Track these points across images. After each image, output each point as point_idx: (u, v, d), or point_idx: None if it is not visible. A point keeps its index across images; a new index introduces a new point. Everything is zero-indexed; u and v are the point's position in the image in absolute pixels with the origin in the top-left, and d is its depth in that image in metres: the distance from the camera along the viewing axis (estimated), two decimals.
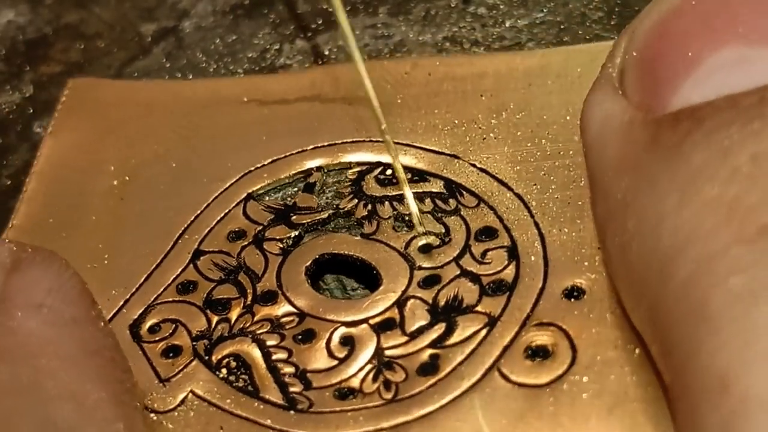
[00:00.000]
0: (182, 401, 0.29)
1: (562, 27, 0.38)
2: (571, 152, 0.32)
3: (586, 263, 0.29)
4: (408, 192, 0.31)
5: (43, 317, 0.25)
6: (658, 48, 0.25)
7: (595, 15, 0.39)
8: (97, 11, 0.42)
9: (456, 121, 0.34)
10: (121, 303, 0.32)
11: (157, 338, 0.31)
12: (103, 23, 0.41)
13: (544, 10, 0.38)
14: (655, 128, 0.23)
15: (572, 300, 0.29)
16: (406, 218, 0.32)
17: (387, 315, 0.30)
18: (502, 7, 0.39)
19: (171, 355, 0.30)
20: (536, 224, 0.31)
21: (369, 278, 0.31)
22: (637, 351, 0.27)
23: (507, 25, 0.38)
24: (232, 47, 0.40)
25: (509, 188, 0.32)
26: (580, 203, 0.31)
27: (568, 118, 0.33)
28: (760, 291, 0.20)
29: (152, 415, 0.29)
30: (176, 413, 0.29)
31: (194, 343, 0.30)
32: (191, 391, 0.29)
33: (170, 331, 0.31)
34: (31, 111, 0.40)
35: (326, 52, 0.38)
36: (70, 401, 0.23)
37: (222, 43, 0.40)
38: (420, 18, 0.39)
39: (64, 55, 0.41)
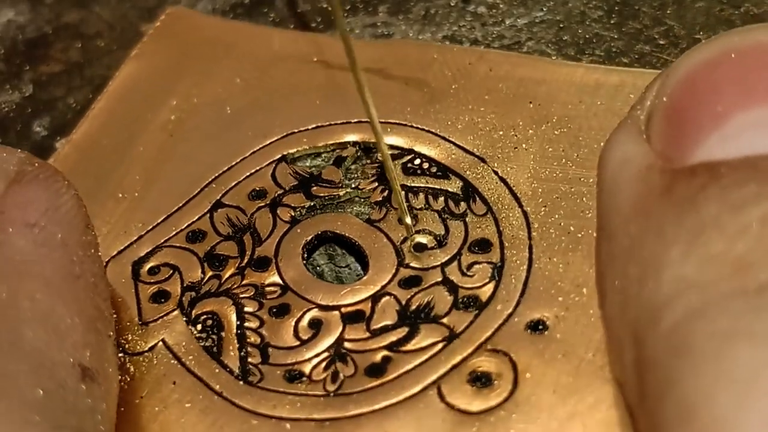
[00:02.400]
0: (151, 348, 0.30)
1: (561, 26, 0.38)
2: (591, 180, 0.32)
3: (560, 298, 0.29)
4: (397, 186, 0.31)
5: (34, 236, 0.25)
6: (688, 98, 0.24)
7: (594, 14, 0.38)
8: (97, 11, 0.42)
9: (496, 124, 0.34)
10: (135, 238, 0.33)
11: (152, 280, 0.32)
12: (103, 23, 0.42)
13: (544, 9, 0.38)
14: (671, 178, 0.23)
15: (533, 333, 0.29)
16: (415, 212, 0.32)
17: (359, 307, 0.30)
18: (501, 6, 0.39)
19: (159, 300, 0.31)
20: (530, 247, 0.31)
21: (363, 263, 0.32)
22: (572, 401, 0.27)
23: (507, 24, 0.38)
24: None
25: (519, 204, 0.32)
26: (579, 235, 0.31)
27: (601, 144, 0.32)
28: (740, 331, 0.20)
29: (121, 355, 0.30)
30: (141, 358, 0.30)
31: (183, 293, 0.31)
32: (163, 340, 0.30)
33: (167, 276, 0.32)
34: (31, 111, 0.40)
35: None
36: (43, 324, 0.24)
37: None
38: (420, 17, 0.39)
39: (64, 54, 0.42)
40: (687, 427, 0.20)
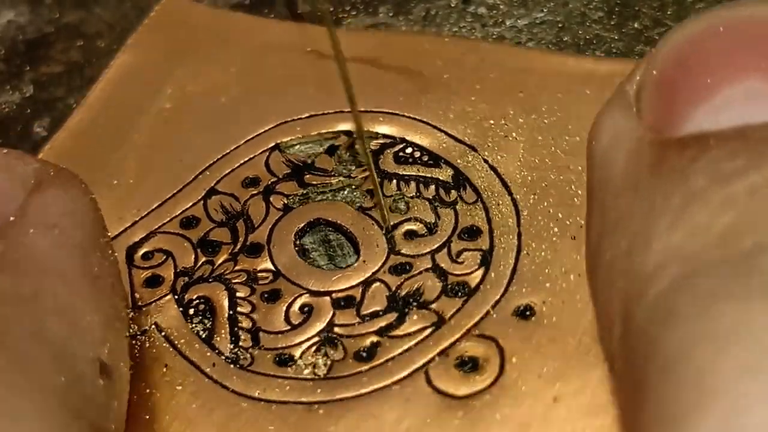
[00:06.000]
0: (144, 331, 0.31)
1: (561, 27, 0.38)
2: (580, 168, 0.32)
3: (548, 284, 0.30)
4: (375, 179, 0.32)
5: (54, 238, 0.26)
6: (677, 71, 0.25)
7: (595, 15, 0.38)
8: (97, 11, 0.42)
9: (487, 113, 0.34)
10: (129, 224, 0.33)
11: (145, 265, 0.32)
12: (103, 23, 0.42)
13: (544, 10, 0.38)
14: (661, 150, 0.23)
15: (520, 319, 0.29)
16: (406, 199, 0.32)
17: (350, 292, 0.31)
18: (502, 7, 0.39)
19: (152, 284, 0.32)
20: (519, 234, 0.31)
21: (356, 249, 0.32)
22: (557, 386, 0.27)
23: (507, 24, 0.38)
24: None
25: (509, 193, 0.32)
26: (568, 222, 0.31)
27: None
28: (722, 291, 0.20)
29: None
30: (134, 341, 0.30)
31: (176, 278, 0.32)
32: (155, 323, 0.31)
33: (160, 261, 0.32)
34: (31, 111, 0.40)
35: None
36: (64, 318, 0.25)
37: None
38: (420, 18, 0.39)
39: (64, 55, 0.42)
40: (665, 383, 0.20)
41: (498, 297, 0.30)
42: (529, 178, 0.32)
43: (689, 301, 0.21)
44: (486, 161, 0.33)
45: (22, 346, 0.23)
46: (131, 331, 0.31)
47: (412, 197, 0.32)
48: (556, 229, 0.31)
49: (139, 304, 0.31)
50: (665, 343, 0.21)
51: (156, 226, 0.33)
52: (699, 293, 0.21)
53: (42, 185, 0.27)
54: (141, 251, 0.33)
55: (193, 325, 0.30)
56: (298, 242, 0.32)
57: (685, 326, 0.20)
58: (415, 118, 0.35)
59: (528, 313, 0.29)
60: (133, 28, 0.41)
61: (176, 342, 0.30)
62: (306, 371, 0.29)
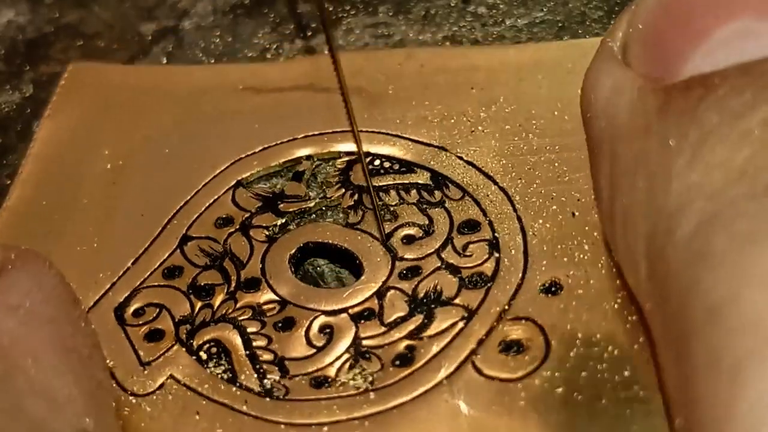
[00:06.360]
0: (161, 385, 0.29)
1: (561, 26, 0.38)
2: (557, 147, 0.32)
3: (565, 258, 0.30)
4: (372, 190, 0.31)
5: (19, 318, 0.25)
6: (663, 22, 0.25)
7: (595, 14, 0.39)
8: (97, 11, 0.42)
9: (446, 114, 0.34)
10: (108, 286, 0.32)
11: (140, 322, 0.31)
12: (103, 23, 0.41)
13: (544, 10, 0.38)
14: (666, 95, 0.24)
15: (549, 295, 0.29)
16: (392, 208, 0.32)
17: (366, 305, 0.30)
18: (501, 6, 0.39)
19: (154, 339, 0.30)
20: (519, 218, 0.31)
21: (353, 267, 0.32)
22: (609, 348, 0.27)
23: (507, 24, 0.38)
24: (232, 47, 0.41)
25: (494, 182, 0.32)
26: (563, 199, 0.31)
27: (556, 113, 0.33)
28: (760, 232, 0.20)
29: (131, 398, 0.29)
30: (155, 397, 0.29)
31: (177, 327, 0.30)
32: (171, 376, 0.29)
33: (154, 315, 0.31)
34: (31, 111, 0.40)
35: (326, 52, 0.38)
36: (41, 396, 0.24)
37: (222, 42, 0.41)
38: (420, 17, 0.39)
39: (64, 55, 0.41)
40: (714, 329, 0.20)
41: (519, 279, 0.29)
42: (510, 165, 0.32)
43: (726, 243, 0.21)
44: (461, 158, 0.33)
45: None
46: (149, 387, 0.29)
47: (396, 205, 0.32)
48: (554, 207, 0.31)
49: (146, 360, 0.30)
50: (707, 285, 0.21)
51: (138, 283, 0.32)
52: (735, 234, 0.21)
53: (2, 270, 0.26)
54: (130, 309, 0.31)
55: (211, 369, 0.29)
56: (293, 269, 0.31)
57: (727, 269, 0.21)
58: (373, 131, 0.34)
59: (554, 288, 0.29)
60: (133, 28, 0.41)
61: (199, 389, 0.29)
62: (350, 388, 0.28)
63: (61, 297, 0.27)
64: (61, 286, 0.27)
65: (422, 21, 0.39)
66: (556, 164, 0.32)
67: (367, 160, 0.34)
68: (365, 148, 0.34)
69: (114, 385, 0.29)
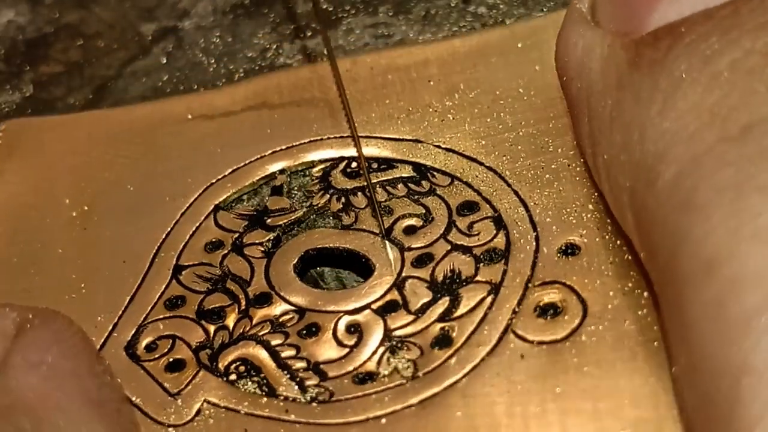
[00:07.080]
0: (198, 412, 0.29)
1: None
2: (532, 121, 0.33)
3: (574, 221, 0.30)
4: (371, 188, 0.32)
5: (43, 373, 0.25)
6: None
7: None
8: (97, 11, 0.41)
9: (410, 108, 0.34)
10: (111, 327, 0.31)
11: (156, 355, 0.30)
12: (103, 23, 0.41)
13: (544, 10, 0.39)
14: (635, 48, 0.25)
15: (569, 257, 0.29)
16: (383, 203, 0.32)
17: (388, 298, 0.30)
18: (501, 6, 0.40)
19: (175, 369, 0.30)
20: (515, 192, 0.31)
21: (358, 268, 0.31)
22: (645, 294, 0.28)
23: (507, 24, 0.39)
24: (232, 47, 0.40)
25: (479, 163, 0.32)
26: (553, 167, 0.32)
27: (521, 90, 0.34)
28: (745, 182, 0.21)
29: (171, 429, 0.28)
30: (195, 423, 0.28)
31: (196, 354, 0.30)
32: (205, 400, 0.29)
33: (168, 346, 0.30)
34: (31, 111, 0.39)
35: (325, 51, 0.38)
36: None
37: (222, 42, 0.40)
38: (420, 17, 0.40)
39: (64, 55, 0.41)
40: (710, 281, 0.21)
41: (534, 248, 0.30)
42: (490, 144, 0.33)
43: (711, 195, 0.21)
44: (438, 146, 0.33)
45: None
46: (186, 416, 0.29)
47: (386, 201, 0.32)
48: (547, 176, 0.31)
49: (174, 391, 0.29)
50: (697, 237, 0.22)
51: (141, 319, 0.31)
52: (719, 185, 0.21)
53: (22, 330, 0.26)
54: (141, 345, 0.31)
55: (246, 387, 0.29)
56: (299, 278, 0.31)
57: (717, 222, 0.21)
58: (341, 137, 0.34)
59: (571, 250, 0.29)
60: (133, 28, 0.40)
61: (239, 408, 0.29)
62: (396, 378, 0.28)
63: (84, 352, 0.27)
64: (82, 342, 0.27)
65: (422, 21, 0.39)
66: (536, 137, 0.32)
67: (344, 164, 0.34)
68: (338, 153, 0.34)
69: (148, 420, 0.28)
